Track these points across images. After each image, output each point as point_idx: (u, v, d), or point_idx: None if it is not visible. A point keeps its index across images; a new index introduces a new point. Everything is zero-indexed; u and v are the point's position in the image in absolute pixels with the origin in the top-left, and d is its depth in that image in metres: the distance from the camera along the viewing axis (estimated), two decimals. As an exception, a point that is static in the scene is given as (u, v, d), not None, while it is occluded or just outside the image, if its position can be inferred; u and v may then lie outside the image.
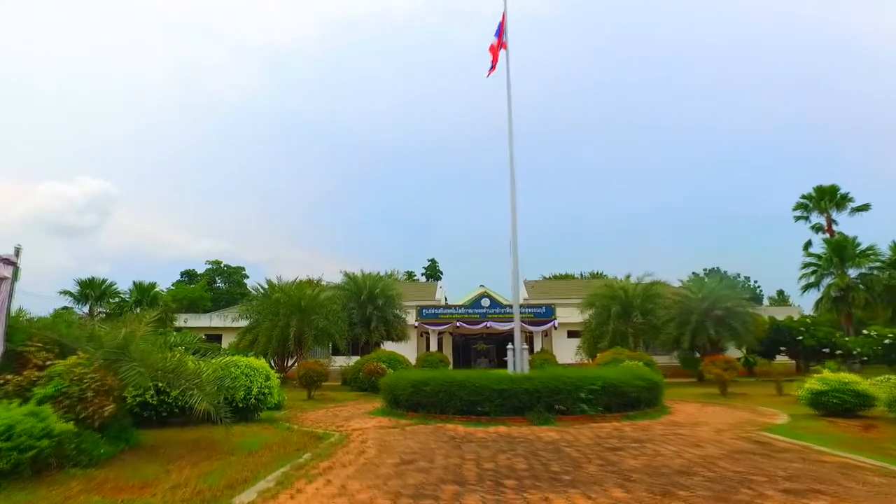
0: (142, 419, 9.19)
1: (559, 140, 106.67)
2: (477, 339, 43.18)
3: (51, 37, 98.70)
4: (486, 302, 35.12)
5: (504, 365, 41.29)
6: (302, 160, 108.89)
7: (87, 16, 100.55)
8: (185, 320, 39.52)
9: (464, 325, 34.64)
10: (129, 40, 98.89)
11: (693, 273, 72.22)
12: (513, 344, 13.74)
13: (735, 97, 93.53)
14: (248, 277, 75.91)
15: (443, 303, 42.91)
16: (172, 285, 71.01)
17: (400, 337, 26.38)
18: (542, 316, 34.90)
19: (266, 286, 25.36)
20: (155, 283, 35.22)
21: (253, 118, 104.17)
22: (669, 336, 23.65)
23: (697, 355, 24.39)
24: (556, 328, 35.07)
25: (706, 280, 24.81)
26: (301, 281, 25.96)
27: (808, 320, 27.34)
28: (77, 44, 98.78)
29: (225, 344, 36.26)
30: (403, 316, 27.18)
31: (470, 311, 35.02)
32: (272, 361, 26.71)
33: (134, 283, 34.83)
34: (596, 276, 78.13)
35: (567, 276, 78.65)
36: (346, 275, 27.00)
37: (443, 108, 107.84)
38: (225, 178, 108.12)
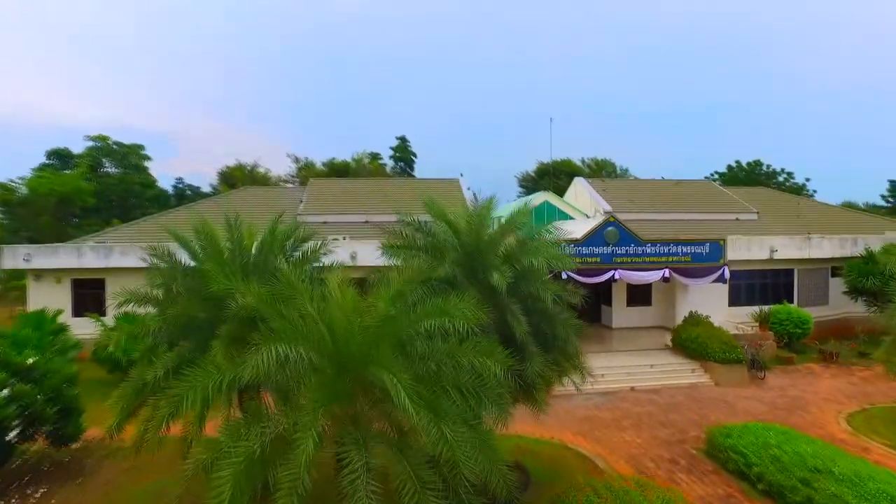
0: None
1: None
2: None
3: None
4: (611, 234, 19.44)
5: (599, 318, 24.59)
6: (214, 16, 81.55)
7: None
8: (25, 258, 20.71)
9: (571, 275, 19.10)
10: None
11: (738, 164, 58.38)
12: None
13: None
14: (149, 159, 54.01)
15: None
16: (33, 171, 47.93)
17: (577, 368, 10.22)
18: (704, 259, 20.01)
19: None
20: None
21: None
22: None
23: None
24: (726, 281, 20.42)
25: None
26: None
27: None
28: None
29: (112, 292, 17.65)
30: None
31: (584, 249, 19.21)
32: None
33: None
34: (624, 172, 63.51)
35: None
36: (434, 211, 9.60)
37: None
38: (120, 28, 79.51)
